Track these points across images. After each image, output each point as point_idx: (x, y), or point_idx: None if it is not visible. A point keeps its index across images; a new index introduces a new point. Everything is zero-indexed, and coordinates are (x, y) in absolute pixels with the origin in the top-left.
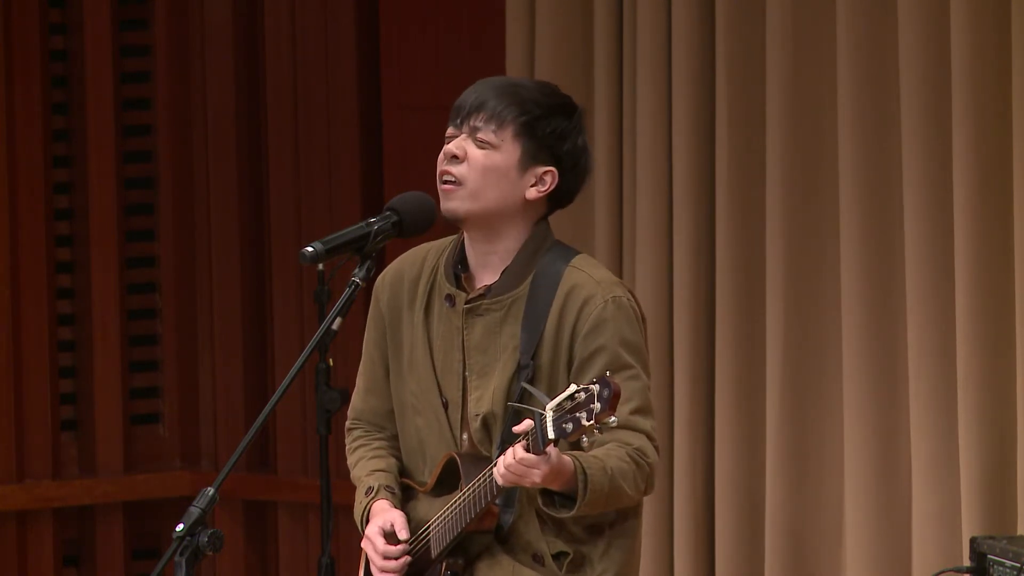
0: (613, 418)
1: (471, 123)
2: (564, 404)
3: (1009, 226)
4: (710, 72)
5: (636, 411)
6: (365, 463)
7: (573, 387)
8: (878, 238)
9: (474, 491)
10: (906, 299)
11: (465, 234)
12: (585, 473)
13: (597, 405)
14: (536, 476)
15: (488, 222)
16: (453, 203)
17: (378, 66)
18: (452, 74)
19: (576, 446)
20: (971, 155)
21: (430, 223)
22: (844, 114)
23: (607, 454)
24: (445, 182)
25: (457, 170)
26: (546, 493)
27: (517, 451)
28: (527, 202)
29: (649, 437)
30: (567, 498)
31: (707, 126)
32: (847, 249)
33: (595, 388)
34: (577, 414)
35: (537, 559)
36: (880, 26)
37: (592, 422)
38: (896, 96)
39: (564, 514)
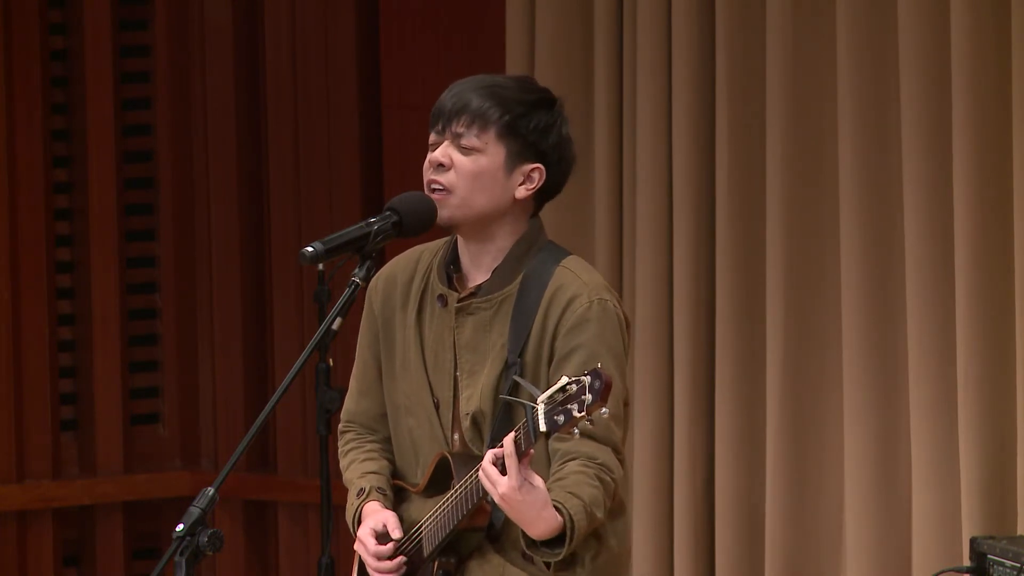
0: (604, 409)
1: (453, 129)
2: (555, 396)
3: (1009, 226)
4: (710, 72)
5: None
6: (357, 466)
7: (564, 379)
8: (878, 239)
9: (466, 488)
10: (906, 300)
11: (458, 235)
12: (572, 521)
13: (588, 396)
14: (495, 493)
15: (480, 225)
16: (445, 211)
17: (378, 66)
18: (452, 74)
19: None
20: (971, 156)
21: (430, 223)
22: (844, 114)
23: (578, 484)
24: (434, 191)
25: (445, 178)
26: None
27: (486, 460)
28: (516, 201)
29: (616, 450)
30: (552, 541)
31: (707, 126)
32: (847, 250)
33: (586, 380)
34: (568, 406)
35: (526, 557)
36: (880, 27)
37: (583, 414)
38: (896, 97)
39: (550, 558)
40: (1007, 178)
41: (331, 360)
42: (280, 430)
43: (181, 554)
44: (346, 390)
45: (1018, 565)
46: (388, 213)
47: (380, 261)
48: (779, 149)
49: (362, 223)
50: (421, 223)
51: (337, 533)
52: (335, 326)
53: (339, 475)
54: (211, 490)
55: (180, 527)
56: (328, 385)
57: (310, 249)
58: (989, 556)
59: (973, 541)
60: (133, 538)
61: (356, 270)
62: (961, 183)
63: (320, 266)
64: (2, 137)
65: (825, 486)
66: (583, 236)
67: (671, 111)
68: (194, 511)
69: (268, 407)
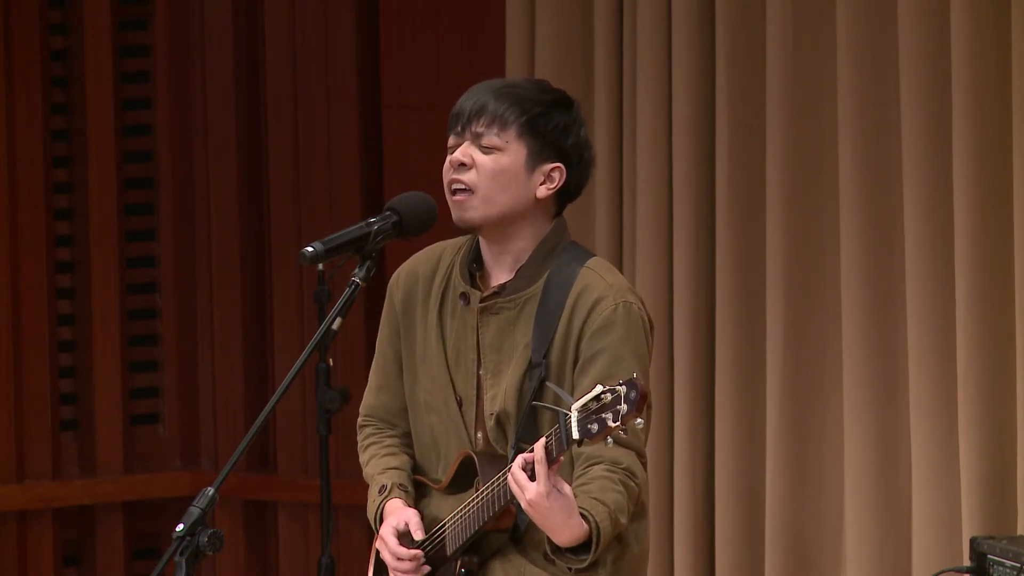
0: (639, 420)
1: (473, 129)
2: (590, 405)
3: (1009, 227)
4: (710, 72)
5: None
6: (378, 461)
7: (599, 387)
8: (878, 238)
9: (492, 490)
10: (906, 299)
11: (480, 237)
12: (599, 529)
13: (624, 407)
14: (523, 499)
15: (502, 226)
16: (467, 213)
17: (378, 66)
18: (452, 74)
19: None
20: (971, 156)
21: (430, 223)
22: (844, 114)
23: (603, 490)
24: (455, 191)
25: (467, 177)
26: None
27: (515, 464)
28: (538, 201)
29: (639, 454)
30: (576, 547)
31: (707, 126)
32: (847, 249)
33: (622, 389)
34: (603, 415)
35: (548, 558)
36: (880, 27)
37: (618, 424)
38: (896, 97)
39: (574, 564)
40: (1007, 178)
41: (331, 360)
42: (280, 430)
43: (181, 554)
44: (347, 390)
45: (1018, 565)
46: (388, 213)
47: (380, 261)
48: (779, 149)
49: (362, 223)
50: (421, 223)
51: (337, 533)
52: (335, 326)
53: (339, 475)
54: (211, 490)
55: (180, 527)
56: (328, 385)
57: (310, 249)
58: (989, 556)
59: (973, 541)
60: (133, 538)
61: (356, 270)
62: (961, 183)
63: (320, 266)
64: (2, 137)
65: (825, 486)
66: (583, 236)
67: (671, 111)
68: (194, 511)
69: (268, 407)
